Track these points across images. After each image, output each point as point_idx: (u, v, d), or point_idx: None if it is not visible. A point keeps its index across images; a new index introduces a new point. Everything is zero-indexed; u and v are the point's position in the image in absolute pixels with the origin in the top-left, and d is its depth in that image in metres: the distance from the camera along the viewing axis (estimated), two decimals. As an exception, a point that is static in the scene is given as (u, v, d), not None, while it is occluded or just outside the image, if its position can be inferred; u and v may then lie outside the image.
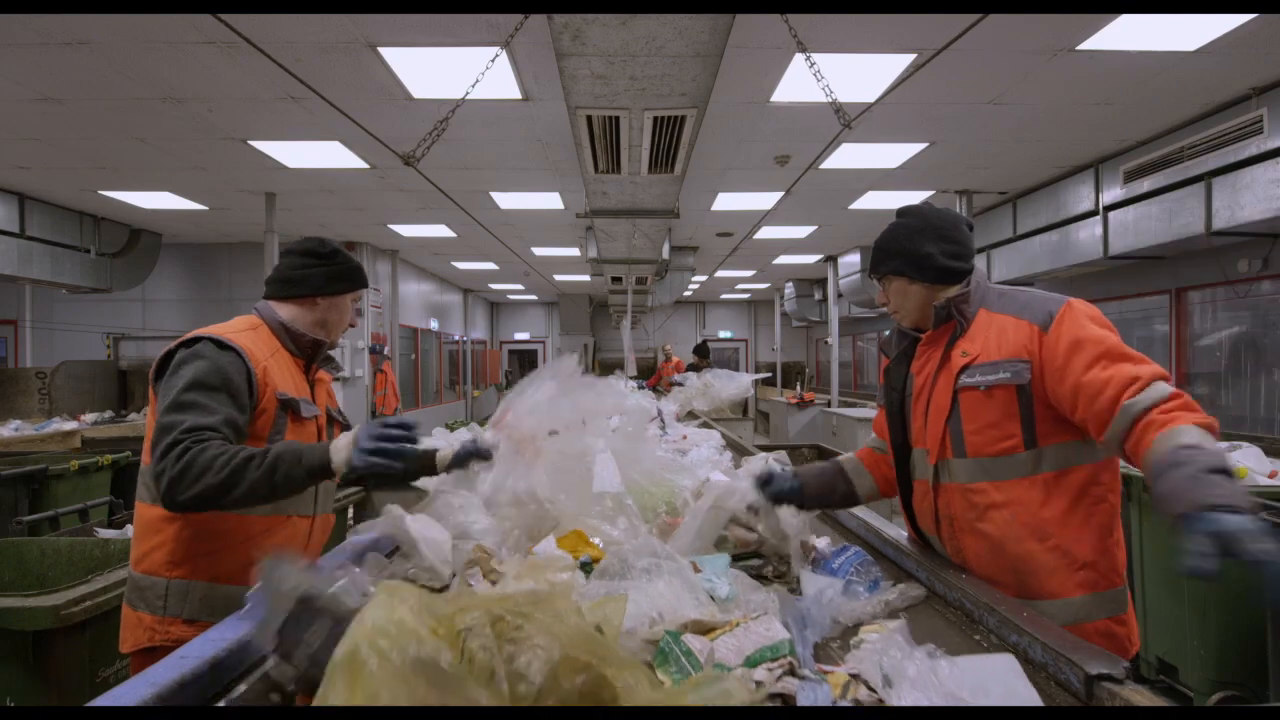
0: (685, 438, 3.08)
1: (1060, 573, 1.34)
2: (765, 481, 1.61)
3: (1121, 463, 1.38)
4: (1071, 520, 1.35)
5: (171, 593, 1.43)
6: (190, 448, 1.27)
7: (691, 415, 4.49)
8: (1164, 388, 1.21)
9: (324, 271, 1.64)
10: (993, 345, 1.42)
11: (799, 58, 3.39)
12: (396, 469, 1.29)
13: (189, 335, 1.47)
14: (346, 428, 1.90)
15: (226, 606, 1.27)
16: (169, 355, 1.46)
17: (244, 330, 1.56)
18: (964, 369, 1.43)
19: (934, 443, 1.45)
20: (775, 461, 1.86)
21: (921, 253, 1.50)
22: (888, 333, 1.76)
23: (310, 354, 1.66)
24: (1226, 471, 1.02)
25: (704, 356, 9.01)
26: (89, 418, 6.39)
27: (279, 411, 1.51)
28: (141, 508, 1.49)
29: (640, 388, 6.32)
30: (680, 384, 6.58)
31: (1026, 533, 1.35)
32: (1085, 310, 1.37)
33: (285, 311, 1.64)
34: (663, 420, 3.71)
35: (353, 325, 1.77)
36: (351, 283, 1.69)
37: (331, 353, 1.76)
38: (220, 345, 1.44)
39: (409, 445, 1.31)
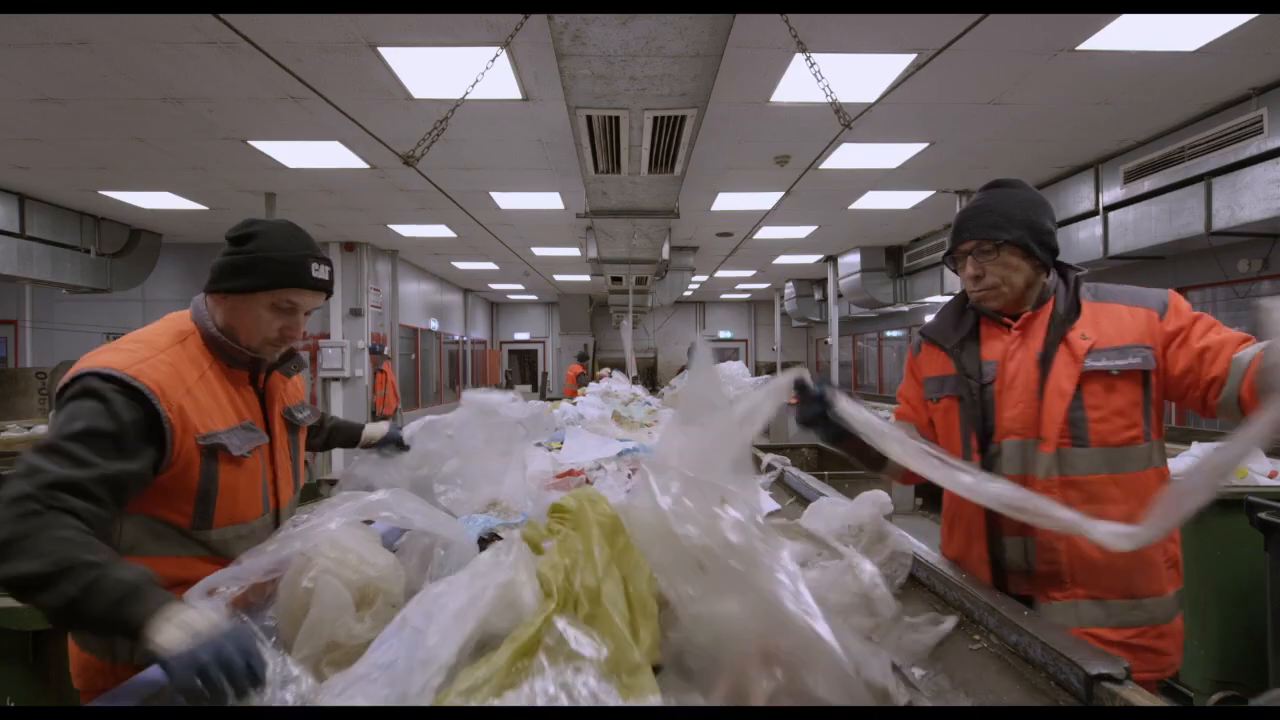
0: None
1: (1163, 569, 1.38)
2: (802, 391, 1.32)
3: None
4: None
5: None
6: (40, 512, 0.99)
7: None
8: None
9: (224, 261, 1.32)
10: (1113, 331, 1.38)
11: (799, 58, 3.39)
12: (213, 698, 0.84)
13: (96, 365, 1.17)
14: (318, 428, 1.83)
15: None
16: (71, 382, 1.18)
17: (168, 348, 1.27)
18: (1090, 352, 1.37)
19: (1052, 430, 1.36)
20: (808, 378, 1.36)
21: (1045, 229, 1.43)
22: (930, 318, 1.63)
23: (254, 368, 1.39)
24: None
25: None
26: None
27: (204, 459, 1.25)
28: None
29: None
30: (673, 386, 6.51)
31: None
32: (1184, 302, 1.41)
33: (220, 314, 1.35)
34: None
35: (290, 336, 1.38)
36: (250, 278, 1.31)
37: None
38: (123, 386, 1.16)
39: (240, 683, 0.85)
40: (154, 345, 1.26)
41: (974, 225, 1.46)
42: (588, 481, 2.10)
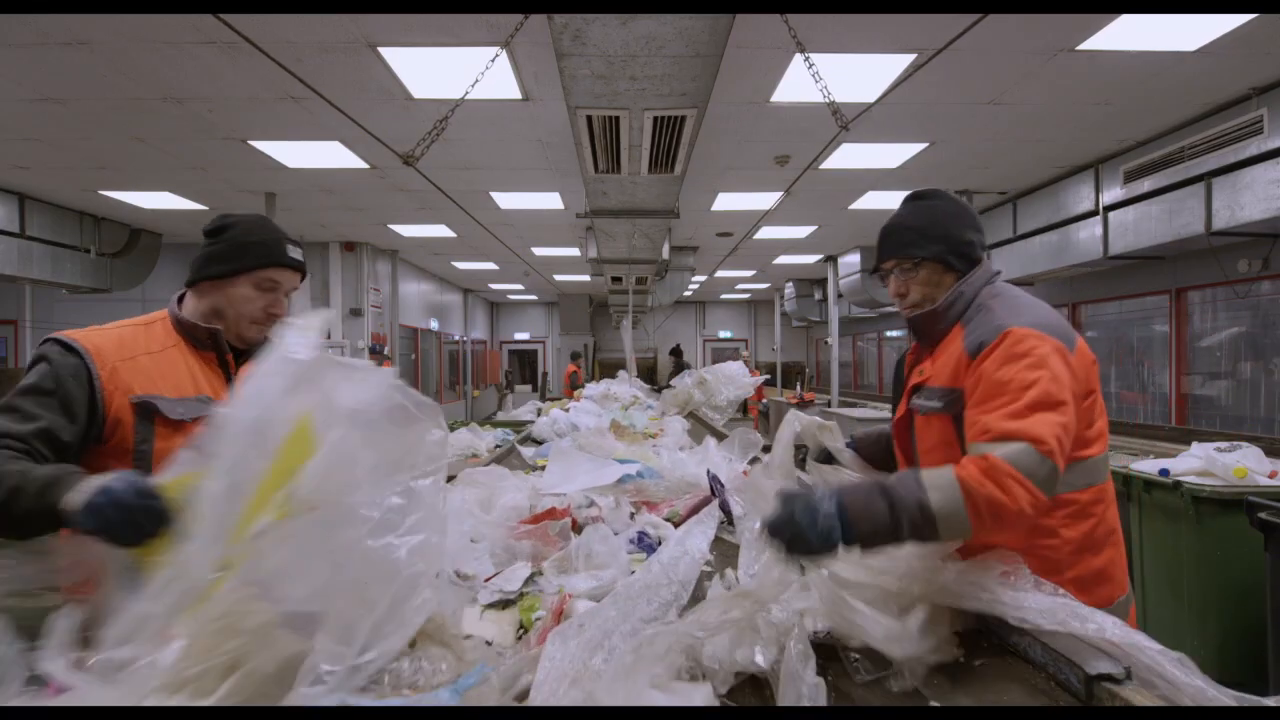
0: None
1: (1071, 587, 1.28)
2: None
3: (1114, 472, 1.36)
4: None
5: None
6: None
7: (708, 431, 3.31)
8: (1001, 447, 1.12)
9: (206, 252, 1.42)
10: (943, 369, 1.35)
11: (799, 58, 3.39)
12: (123, 543, 0.99)
13: (52, 334, 1.34)
14: None
15: None
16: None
17: (127, 326, 1.41)
18: (915, 389, 1.40)
19: (902, 457, 1.48)
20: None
21: (965, 239, 1.39)
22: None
23: (218, 346, 1.44)
24: (885, 495, 1.09)
25: (679, 357, 10.87)
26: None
27: (137, 418, 1.30)
28: None
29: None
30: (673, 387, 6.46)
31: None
32: (1017, 345, 1.22)
33: (187, 302, 1.46)
34: (727, 510, 1.69)
35: (275, 315, 1.44)
36: (233, 263, 1.40)
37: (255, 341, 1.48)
38: (65, 347, 1.29)
39: (151, 528, 0.99)
40: (114, 325, 1.40)
41: (893, 243, 1.43)
42: (574, 525, 1.57)
